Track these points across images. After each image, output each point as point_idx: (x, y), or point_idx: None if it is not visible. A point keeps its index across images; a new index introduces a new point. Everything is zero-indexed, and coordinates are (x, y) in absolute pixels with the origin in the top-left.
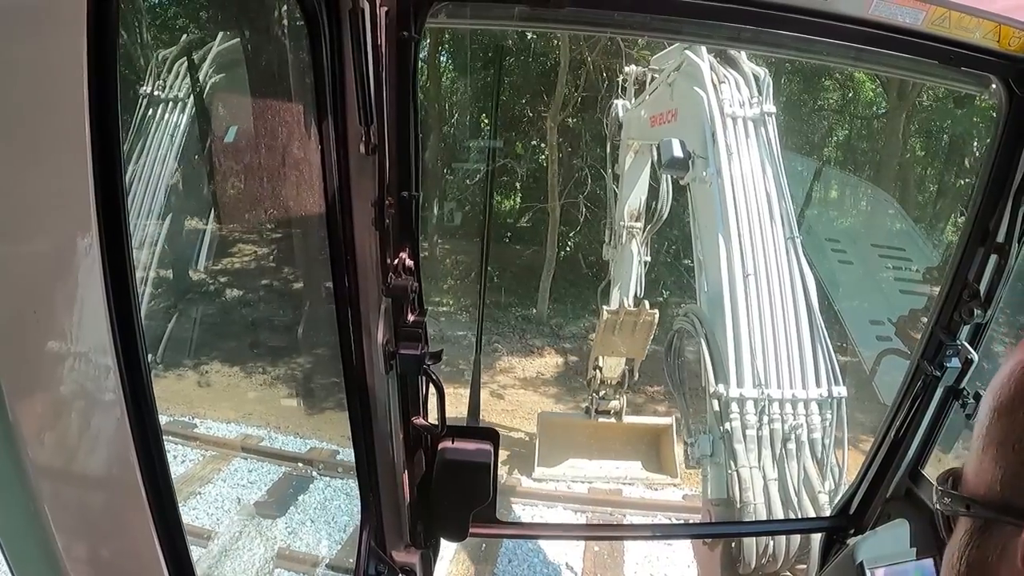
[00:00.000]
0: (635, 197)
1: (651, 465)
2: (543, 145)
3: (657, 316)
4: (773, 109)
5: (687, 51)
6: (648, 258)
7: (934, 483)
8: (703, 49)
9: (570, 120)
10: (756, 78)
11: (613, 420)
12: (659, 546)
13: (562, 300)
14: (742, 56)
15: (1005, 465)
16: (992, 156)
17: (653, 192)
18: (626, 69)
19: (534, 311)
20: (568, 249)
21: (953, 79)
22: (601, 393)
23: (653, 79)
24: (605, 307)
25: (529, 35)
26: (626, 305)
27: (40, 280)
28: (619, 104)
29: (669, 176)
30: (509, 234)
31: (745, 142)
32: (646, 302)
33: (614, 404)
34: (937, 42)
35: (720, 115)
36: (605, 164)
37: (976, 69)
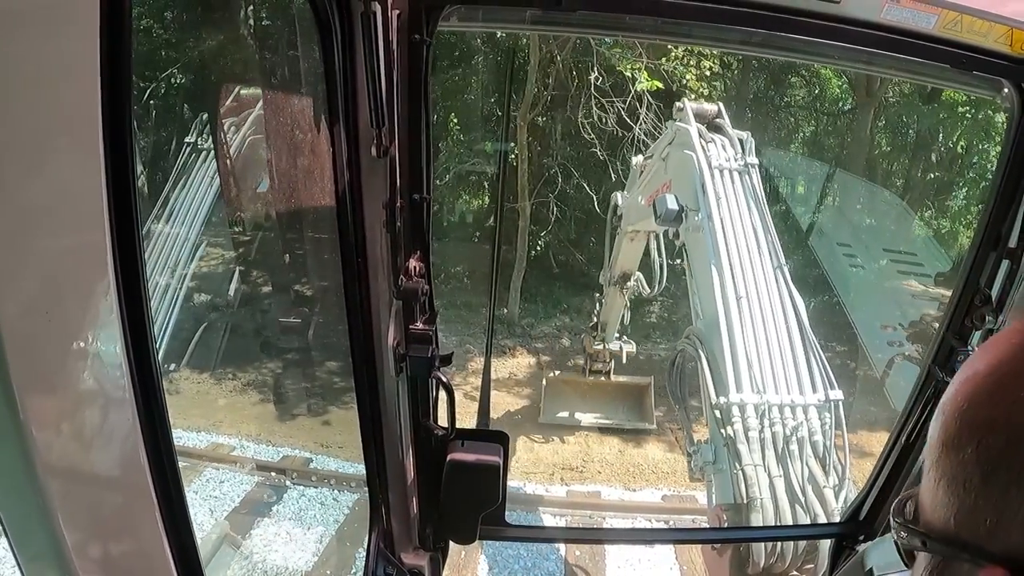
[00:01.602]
0: (628, 265)
1: (633, 415)
2: (512, 144)
3: (634, 349)
4: (756, 161)
5: (677, 123)
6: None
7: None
8: (691, 117)
9: (540, 119)
10: (740, 140)
11: (604, 378)
12: (640, 549)
13: (532, 300)
14: (726, 122)
15: (958, 503)
16: (1004, 160)
17: (646, 263)
18: (633, 161)
19: (505, 311)
20: (538, 248)
21: (965, 83)
22: (595, 359)
23: (648, 165)
24: (592, 344)
25: (499, 33)
26: (607, 347)
27: (52, 281)
28: (618, 195)
29: (663, 249)
30: (478, 234)
31: (732, 189)
32: (623, 344)
33: (607, 367)
34: (949, 46)
35: (708, 168)
36: (574, 163)
37: (988, 73)
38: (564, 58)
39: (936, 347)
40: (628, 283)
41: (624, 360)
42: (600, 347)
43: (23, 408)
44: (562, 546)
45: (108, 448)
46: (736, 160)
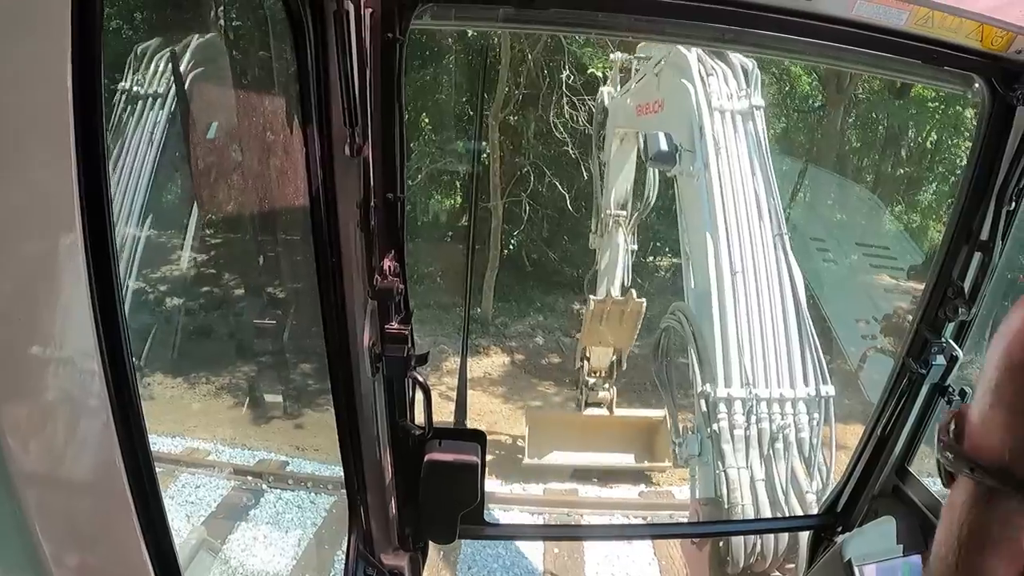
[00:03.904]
0: (621, 185)
1: (643, 458)
2: (484, 143)
3: (644, 305)
4: (762, 102)
5: None
6: (635, 247)
7: (935, 436)
8: None
9: (511, 118)
10: (744, 70)
11: (604, 412)
12: (619, 546)
13: (506, 299)
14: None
15: (1015, 434)
16: (976, 154)
17: (639, 179)
18: (611, 56)
19: (478, 311)
20: (511, 247)
21: (937, 78)
22: (591, 383)
23: (639, 68)
24: (592, 296)
25: (470, 32)
26: (613, 295)
27: (24, 283)
28: (605, 91)
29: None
30: (451, 233)
31: (733, 136)
32: (633, 291)
33: (604, 395)
34: (920, 42)
35: (708, 109)
36: (547, 162)
37: (959, 68)
38: (535, 57)
39: (910, 339)
40: (625, 213)
41: (641, 318)
42: (602, 300)
43: None
44: (541, 544)
45: (84, 454)
46: (739, 98)
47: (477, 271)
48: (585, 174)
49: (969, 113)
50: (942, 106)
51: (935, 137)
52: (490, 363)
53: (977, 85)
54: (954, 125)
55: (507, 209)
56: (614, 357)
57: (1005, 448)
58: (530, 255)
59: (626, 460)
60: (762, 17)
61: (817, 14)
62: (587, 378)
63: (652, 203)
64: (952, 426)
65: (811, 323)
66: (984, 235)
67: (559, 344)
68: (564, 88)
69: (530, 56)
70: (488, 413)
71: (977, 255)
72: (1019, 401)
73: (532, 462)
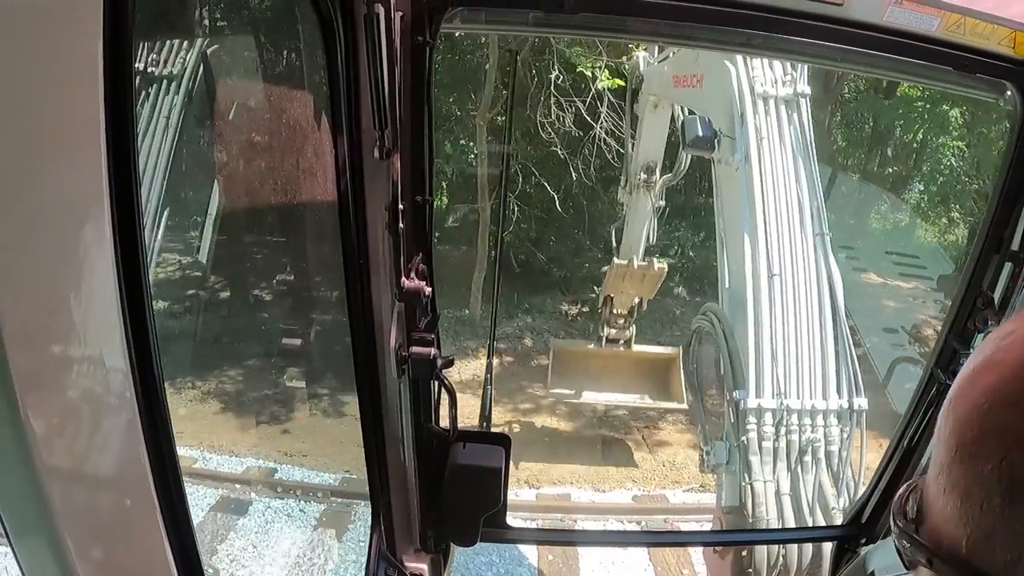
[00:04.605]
0: (652, 151)
1: (658, 394)
2: (472, 144)
3: (666, 269)
4: (808, 90)
5: None
6: (663, 202)
7: (891, 512)
8: None
9: (499, 118)
10: None
11: (622, 348)
12: (613, 552)
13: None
14: None
15: (971, 525)
16: (1007, 164)
17: (671, 147)
18: None
19: (466, 312)
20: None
21: (968, 85)
22: (612, 323)
23: None
24: (615, 259)
25: (457, 33)
26: (635, 262)
27: (54, 281)
28: (641, 56)
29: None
30: (437, 235)
31: (776, 126)
32: (655, 259)
33: (625, 333)
34: (952, 48)
35: (751, 94)
36: (535, 163)
37: (991, 75)
38: (523, 57)
39: (938, 350)
40: (653, 177)
41: (662, 279)
42: (625, 264)
43: (24, 409)
44: (535, 551)
45: (109, 450)
46: (784, 84)
47: (465, 272)
48: (574, 174)
49: (956, 112)
50: (928, 105)
51: (921, 136)
52: (479, 365)
53: (1009, 92)
54: (940, 124)
55: (495, 210)
56: (636, 300)
57: (962, 538)
58: (518, 256)
59: (642, 398)
60: (792, 23)
61: (848, 20)
62: (608, 318)
63: (682, 172)
64: (910, 504)
65: (848, 331)
66: (1015, 245)
67: (548, 346)
68: (552, 88)
69: (518, 56)
70: (478, 416)
71: (1008, 265)
72: (975, 487)
73: (555, 391)
